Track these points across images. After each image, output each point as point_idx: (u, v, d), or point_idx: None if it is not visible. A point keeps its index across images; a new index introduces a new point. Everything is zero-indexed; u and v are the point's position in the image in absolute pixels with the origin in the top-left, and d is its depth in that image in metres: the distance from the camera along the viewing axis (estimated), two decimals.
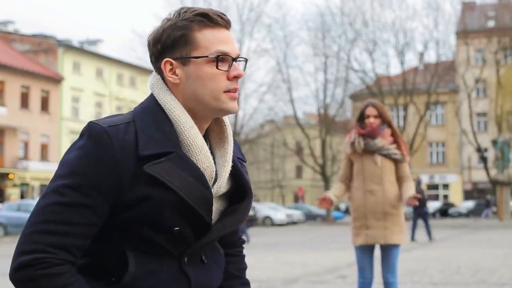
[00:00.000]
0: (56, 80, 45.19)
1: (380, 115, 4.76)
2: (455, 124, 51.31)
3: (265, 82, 49.39)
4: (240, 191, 1.66)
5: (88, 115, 47.06)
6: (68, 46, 46.85)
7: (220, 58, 1.54)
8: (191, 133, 1.54)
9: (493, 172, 38.26)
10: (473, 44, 47.38)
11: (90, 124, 1.50)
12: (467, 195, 53.07)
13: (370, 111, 4.76)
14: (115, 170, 1.46)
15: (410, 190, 4.67)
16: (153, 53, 1.59)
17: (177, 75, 1.56)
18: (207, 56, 1.53)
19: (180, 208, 1.49)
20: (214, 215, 1.59)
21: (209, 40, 1.54)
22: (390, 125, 4.81)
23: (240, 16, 44.03)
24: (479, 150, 44.25)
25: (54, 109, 44.98)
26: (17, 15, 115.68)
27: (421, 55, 48.78)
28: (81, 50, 48.26)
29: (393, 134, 4.79)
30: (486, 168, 42.50)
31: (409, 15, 68.23)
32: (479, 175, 50.37)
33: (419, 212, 19.19)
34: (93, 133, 1.48)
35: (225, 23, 1.57)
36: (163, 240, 1.51)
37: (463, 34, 47.90)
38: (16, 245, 1.46)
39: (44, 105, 44.37)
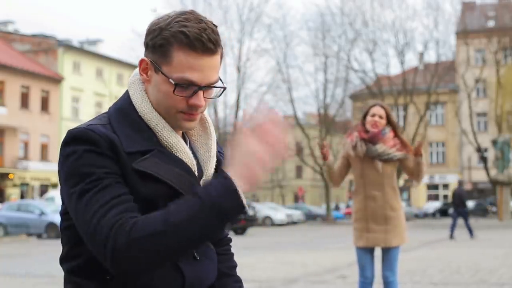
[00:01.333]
0: (56, 80, 45.19)
1: (387, 117, 4.77)
2: (455, 124, 51.32)
3: (265, 82, 49.33)
4: None
5: (88, 115, 47.02)
6: (68, 46, 46.86)
7: (179, 86, 1.52)
8: (164, 134, 1.58)
9: (493, 172, 38.24)
10: (473, 44, 47.37)
11: (70, 131, 1.53)
12: (467, 195, 53.05)
13: (377, 110, 4.75)
14: (112, 158, 1.50)
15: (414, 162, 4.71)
16: (143, 43, 1.61)
17: (147, 76, 1.58)
18: (168, 78, 1.53)
19: (173, 199, 1.49)
20: None
21: (180, 62, 1.52)
22: (394, 129, 4.80)
23: (240, 16, 44.04)
24: (479, 150, 44.24)
25: (54, 109, 44.99)
26: (17, 15, 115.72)
27: (421, 55, 48.79)
28: (81, 50, 48.27)
29: (397, 137, 4.77)
30: (486, 168, 42.48)
31: (409, 15, 68.32)
32: (479, 175, 50.37)
33: (460, 211, 19.62)
34: (77, 136, 1.50)
35: (207, 50, 1.52)
36: None
37: (463, 34, 47.89)
38: (96, 239, 1.43)
39: (44, 105, 44.38)
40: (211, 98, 1.60)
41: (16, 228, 25.51)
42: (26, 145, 42.75)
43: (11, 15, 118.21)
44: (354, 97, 49.66)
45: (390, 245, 4.68)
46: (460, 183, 20.86)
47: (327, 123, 43.75)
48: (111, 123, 1.56)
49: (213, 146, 1.69)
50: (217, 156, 1.70)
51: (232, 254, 1.85)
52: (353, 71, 44.52)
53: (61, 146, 1.53)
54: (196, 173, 1.61)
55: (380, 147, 4.69)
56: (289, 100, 44.32)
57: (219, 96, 1.62)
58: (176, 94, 1.53)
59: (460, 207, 19.73)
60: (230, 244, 1.86)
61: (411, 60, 64.69)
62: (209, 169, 1.65)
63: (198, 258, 1.62)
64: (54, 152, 44.59)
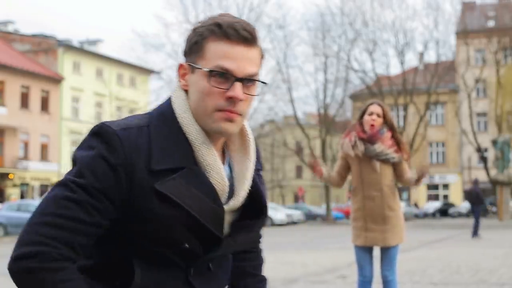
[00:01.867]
0: (56, 80, 45.20)
1: (384, 116, 4.77)
2: (455, 124, 51.32)
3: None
4: (255, 206, 1.60)
5: (88, 115, 47.08)
6: (68, 46, 46.86)
7: (215, 74, 1.46)
8: (201, 150, 1.49)
9: (493, 172, 38.24)
10: (473, 44, 47.37)
11: (103, 126, 1.47)
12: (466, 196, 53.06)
13: (375, 108, 4.76)
14: (124, 178, 1.43)
15: (413, 174, 4.81)
16: (183, 54, 1.56)
17: (185, 81, 1.53)
18: (201, 68, 1.47)
19: (191, 225, 1.45)
20: (225, 228, 1.55)
21: (214, 52, 1.47)
22: (391, 127, 4.81)
23: (240, 16, 43.82)
24: (479, 150, 44.24)
25: (54, 109, 44.99)
26: (17, 15, 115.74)
27: (421, 55, 48.79)
28: (81, 50, 48.27)
29: (394, 136, 4.78)
30: (486, 168, 42.49)
31: (409, 15, 68.27)
32: (479, 175, 50.32)
33: (478, 209, 19.76)
34: (104, 136, 1.45)
35: (242, 38, 1.47)
36: (171, 253, 1.49)
37: (463, 34, 47.90)
38: (20, 234, 1.41)
39: (44, 105, 44.39)
40: (251, 95, 1.50)
41: (16, 228, 25.50)
42: (26, 145, 42.76)
43: (11, 15, 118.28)
44: (354, 97, 49.65)
45: (389, 244, 4.70)
46: (476, 181, 20.79)
47: (327, 123, 43.73)
48: (150, 127, 1.48)
49: (250, 166, 1.58)
50: (253, 176, 1.59)
51: (260, 251, 1.83)
52: (353, 71, 44.51)
53: (89, 133, 1.48)
54: (227, 194, 1.53)
55: (378, 147, 4.69)
56: (289, 100, 44.31)
57: (254, 93, 1.52)
58: (212, 85, 1.46)
59: (477, 206, 19.78)
60: (260, 240, 1.80)
61: (411, 60, 64.80)
62: (242, 192, 1.55)
63: (212, 270, 1.58)
64: (54, 152, 44.60)
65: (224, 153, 1.58)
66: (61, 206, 1.40)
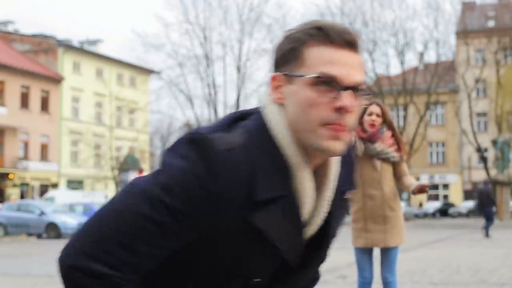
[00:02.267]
0: (56, 80, 45.20)
1: (383, 115, 4.78)
2: (455, 124, 51.31)
3: (265, 82, 49.24)
4: (321, 236, 1.40)
5: (88, 115, 47.09)
6: (68, 46, 46.87)
7: (321, 82, 1.27)
8: (300, 175, 1.29)
9: (493, 172, 38.24)
10: (473, 44, 47.37)
11: (204, 138, 1.25)
12: (467, 195, 53.07)
13: (374, 108, 4.77)
14: (216, 207, 1.24)
15: (413, 180, 4.78)
16: (273, 65, 1.37)
17: (281, 94, 1.33)
18: (303, 76, 1.28)
19: (272, 260, 1.31)
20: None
21: (316, 58, 1.28)
22: (391, 127, 4.82)
23: (240, 16, 43.97)
24: (479, 150, 44.23)
25: (54, 109, 44.99)
26: (17, 15, 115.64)
27: (421, 55, 48.79)
28: (81, 50, 48.27)
29: (394, 135, 4.79)
30: (486, 168, 42.48)
31: (409, 15, 68.13)
32: (479, 175, 50.34)
33: (488, 211, 19.83)
34: (204, 152, 1.23)
35: (346, 43, 1.29)
36: (234, 285, 1.34)
37: (463, 34, 47.90)
38: (88, 236, 1.25)
39: (44, 105, 44.39)
40: (358, 107, 1.31)
41: (16, 228, 25.52)
42: (26, 145, 42.76)
43: (11, 15, 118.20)
44: None
45: (389, 245, 4.69)
46: (487, 182, 21.00)
47: None
48: (248, 147, 1.27)
49: (328, 195, 1.36)
50: (338, 198, 1.39)
51: None
52: None
53: (184, 138, 1.28)
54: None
55: (378, 146, 4.70)
56: None
57: (362, 105, 1.33)
58: (318, 95, 1.27)
59: (488, 207, 19.84)
60: (319, 276, 1.60)
61: (411, 60, 64.62)
62: (317, 220, 1.35)
63: None
64: (54, 152, 44.60)
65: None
66: (141, 227, 1.23)
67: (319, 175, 1.35)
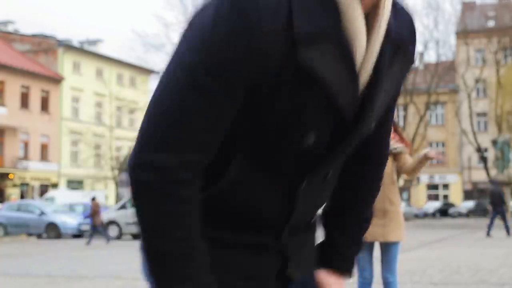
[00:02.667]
0: (56, 80, 45.21)
1: None
2: (455, 124, 51.34)
3: None
4: (373, 92, 1.21)
5: (88, 115, 47.10)
6: (68, 46, 46.89)
7: None
8: (349, 11, 1.12)
9: (493, 172, 38.25)
10: (473, 44, 47.40)
11: None
12: (467, 195, 53.10)
13: None
14: (258, 58, 1.08)
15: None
16: None
17: None
18: None
19: (324, 110, 1.15)
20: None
21: None
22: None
23: None
24: (479, 150, 44.23)
25: (54, 109, 45.00)
26: (17, 15, 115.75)
27: (421, 55, 48.82)
28: (81, 50, 48.29)
29: (395, 129, 4.80)
30: (486, 168, 42.49)
31: None
32: (479, 175, 50.38)
33: (499, 210, 19.97)
34: (238, 3, 1.07)
35: None
36: (287, 152, 1.19)
37: (463, 34, 47.93)
38: (141, 133, 1.13)
39: (44, 105, 44.40)
40: None
41: (16, 228, 25.53)
42: (26, 145, 42.77)
43: (11, 15, 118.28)
44: None
45: (389, 239, 4.68)
46: (494, 182, 21.06)
47: None
48: None
49: (378, 37, 1.17)
50: (393, 51, 1.21)
51: (380, 172, 1.49)
52: None
53: None
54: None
55: None
56: None
57: None
58: None
59: (499, 206, 19.98)
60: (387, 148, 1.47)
61: None
62: (364, 72, 1.18)
63: (327, 180, 1.29)
64: (54, 152, 44.61)
65: None
66: (191, 100, 1.10)
67: (369, 19, 1.17)
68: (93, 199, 21.90)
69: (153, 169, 1.10)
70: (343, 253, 1.44)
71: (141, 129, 1.14)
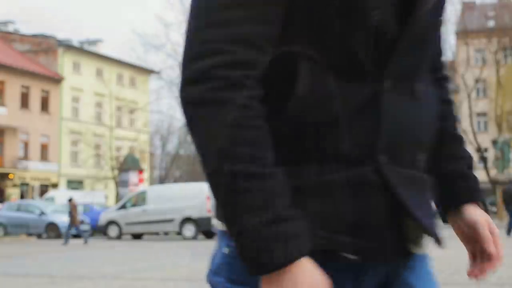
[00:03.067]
0: (56, 80, 45.22)
1: None
2: None
3: None
4: None
5: (88, 115, 47.10)
6: (68, 46, 46.90)
7: None
8: None
9: (493, 172, 38.26)
10: (473, 44, 47.41)
11: None
12: None
13: None
14: None
15: None
16: None
17: None
18: None
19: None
20: None
21: None
22: None
23: None
24: (479, 150, 44.21)
25: (54, 109, 45.01)
26: (17, 15, 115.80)
27: None
28: (81, 50, 48.30)
29: None
30: (486, 168, 42.46)
31: None
32: (479, 175, 49.23)
33: (509, 209, 20.04)
34: None
35: None
36: (354, 41, 1.01)
37: (463, 34, 47.95)
38: (188, 46, 0.98)
39: (44, 105, 44.42)
40: None
41: (16, 228, 25.54)
42: (26, 145, 42.78)
43: (11, 15, 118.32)
44: None
45: None
46: (510, 181, 21.15)
47: None
48: None
49: None
50: None
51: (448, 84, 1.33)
52: None
53: None
54: None
55: None
56: None
57: None
58: None
59: (511, 205, 20.02)
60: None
61: None
62: None
63: (417, 97, 1.09)
64: (54, 152, 44.62)
65: None
66: None
67: None
68: (70, 200, 21.89)
69: (203, 79, 0.94)
70: (474, 179, 1.30)
71: (184, 48, 0.98)
